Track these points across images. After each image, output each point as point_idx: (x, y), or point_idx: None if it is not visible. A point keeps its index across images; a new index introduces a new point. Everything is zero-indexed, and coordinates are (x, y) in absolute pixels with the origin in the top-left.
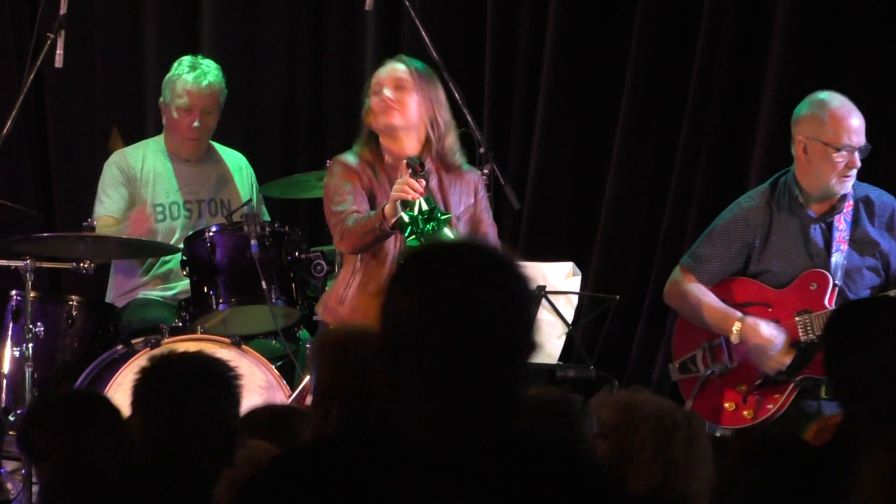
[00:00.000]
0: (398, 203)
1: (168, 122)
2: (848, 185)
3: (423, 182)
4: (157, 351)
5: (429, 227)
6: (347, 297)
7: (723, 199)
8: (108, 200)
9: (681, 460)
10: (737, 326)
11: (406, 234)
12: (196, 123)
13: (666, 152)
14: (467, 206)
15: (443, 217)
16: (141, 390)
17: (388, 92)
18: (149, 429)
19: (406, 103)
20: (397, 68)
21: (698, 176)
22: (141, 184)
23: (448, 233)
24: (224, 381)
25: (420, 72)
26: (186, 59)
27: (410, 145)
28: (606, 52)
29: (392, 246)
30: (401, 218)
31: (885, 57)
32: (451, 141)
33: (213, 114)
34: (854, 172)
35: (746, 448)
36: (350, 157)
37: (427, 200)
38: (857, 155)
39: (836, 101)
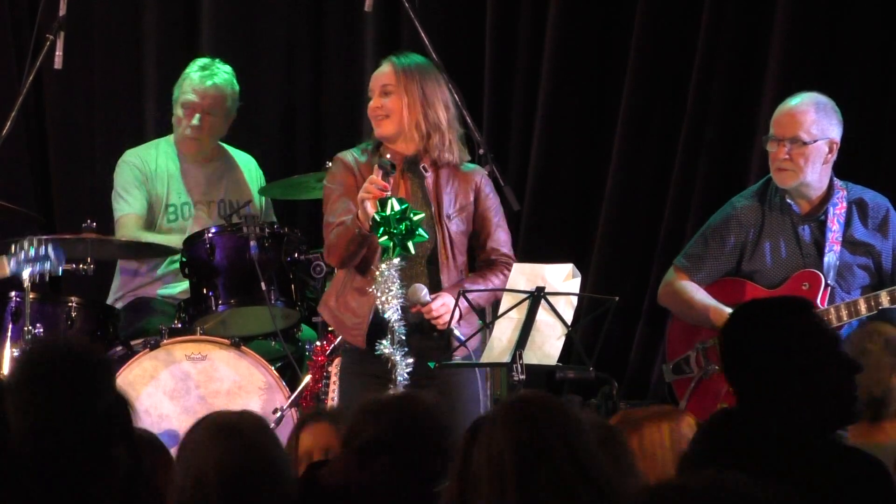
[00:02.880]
0: (377, 203)
1: (174, 120)
2: (781, 178)
3: (389, 182)
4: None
5: (402, 226)
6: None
7: (723, 200)
8: (130, 199)
9: None
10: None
11: (379, 235)
12: (195, 122)
13: (666, 152)
14: (463, 206)
15: (415, 217)
16: (18, 378)
17: (374, 100)
18: (26, 417)
19: (393, 108)
20: (383, 72)
21: (698, 176)
22: (157, 182)
23: (422, 233)
24: (95, 365)
25: (408, 69)
26: (201, 60)
27: (408, 147)
28: (606, 53)
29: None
30: (373, 218)
31: (885, 57)
32: (449, 137)
33: (216, 116)
34: (785, 165)
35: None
36: (349, 156)
37: (399, 200)
38: (780, 146)
39: (793, 98)
